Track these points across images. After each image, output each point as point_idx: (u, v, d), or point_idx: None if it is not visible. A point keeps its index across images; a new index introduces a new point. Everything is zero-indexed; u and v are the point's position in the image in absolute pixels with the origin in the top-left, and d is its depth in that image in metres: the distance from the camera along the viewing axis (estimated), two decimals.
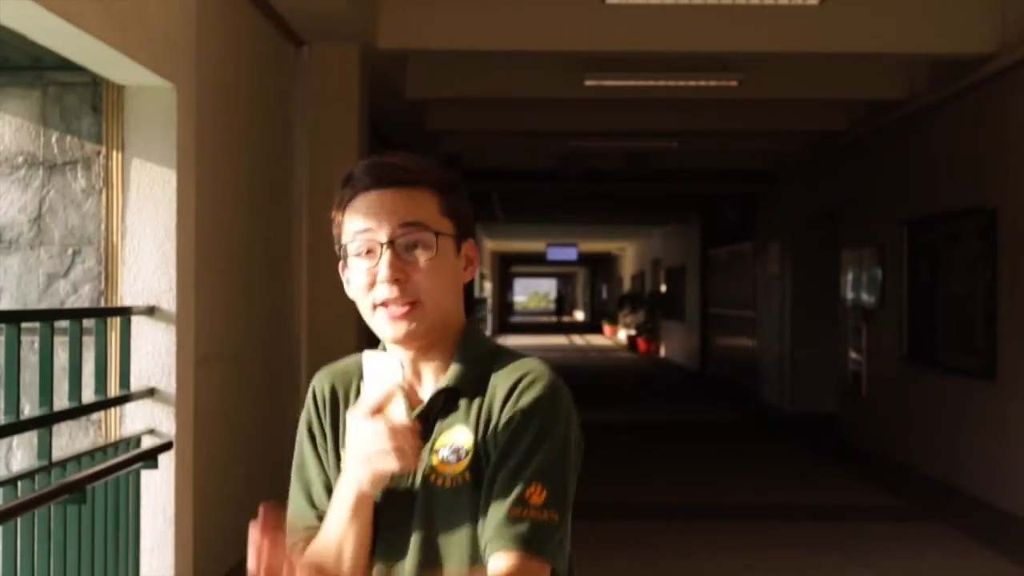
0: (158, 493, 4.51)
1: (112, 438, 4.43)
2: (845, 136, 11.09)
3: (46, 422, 3.68)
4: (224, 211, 5.41)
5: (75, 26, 3.59)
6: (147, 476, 4.42)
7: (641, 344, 25.75)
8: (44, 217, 4.72)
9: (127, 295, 4.55)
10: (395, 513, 1.53)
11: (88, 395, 4.13)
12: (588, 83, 8.69)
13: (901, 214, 9.73)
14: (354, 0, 6.47)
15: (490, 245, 32.19)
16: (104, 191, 4.66)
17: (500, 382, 1.55)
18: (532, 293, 72.93)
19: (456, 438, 1.55)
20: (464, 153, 12.86)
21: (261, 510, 1.38)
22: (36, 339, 3.84)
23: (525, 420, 1.51)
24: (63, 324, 3.96)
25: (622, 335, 30.03)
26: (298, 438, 1.67)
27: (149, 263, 4.55)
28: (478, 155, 13.44)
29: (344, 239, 1.58)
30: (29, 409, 4.03)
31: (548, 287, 69.16)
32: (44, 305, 4.70)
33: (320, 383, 1.67)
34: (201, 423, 4.86)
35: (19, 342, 3.45)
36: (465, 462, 1.53)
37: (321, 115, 7.07)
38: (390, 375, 1.45)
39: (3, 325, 3.48)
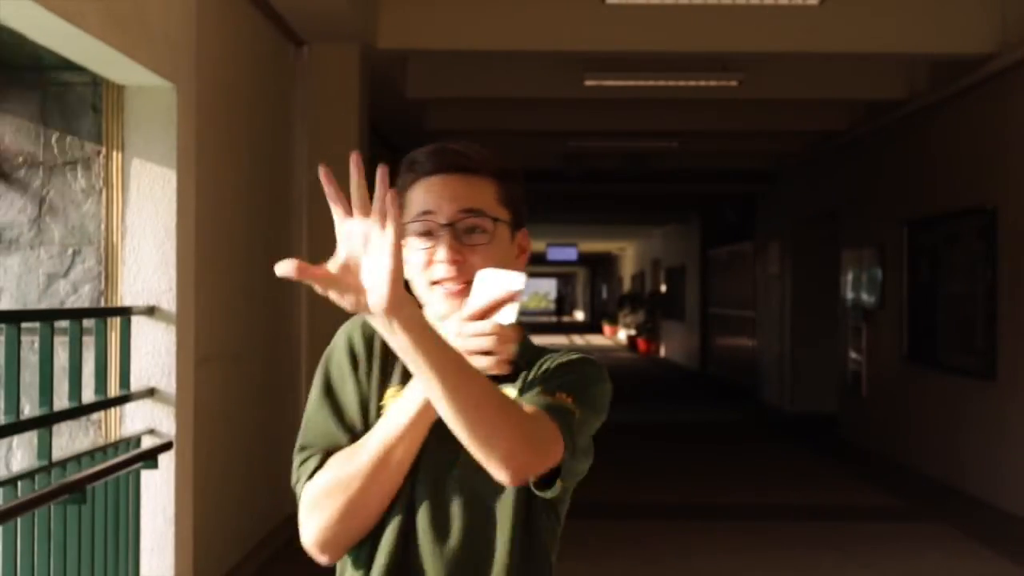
0: (158, 493, 4.51)
1: (112, 438, 4.43)
2: (845, 136, 11.09)
3: (46, 422, 3.68)
4: (224, 211, 5.41)
5: (75, 26, 3.59)
6: (147, 476, 4.42)
7: (641, 344, 25.76)
8: (44, 217, 4.72)
9: (127, 295, 4.55)
10: (445, 431, 1.48)
11: (88, 395, 4.12)
12: (588, 83, 8.70)
13: (901, 214, 9.73)
14: (354, 0, 6.47)
15: None
16: (104, 191, 4.66)
17: (549, 356, 1.65)
18: (532, 293, 72.95)
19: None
20: None
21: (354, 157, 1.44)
22: (36, 339, 3.84)
23: (562, 365, 1.62)
24: (63, 324, 3.96)
25: (622, 335, 30.03)
26: (330, 365, 1.70)
27: (149, 263, 4.55)
28: None
29: (404, 220, 1.62)
30: (29, 409, 4.03)
31: (548, 287, 69.18)
32: (44, 305, 4.70)
33: (368, 326, 1.67)
34: (201, 423, 4.86)
35: (19, 342, 3.45)
36: None
37: (321, 115, 7.07)
38: (510, 283, 1.48)
39: (3, 325, 3.48)
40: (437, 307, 1.61)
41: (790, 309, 13.73)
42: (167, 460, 4.48)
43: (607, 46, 7.51)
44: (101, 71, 4.38)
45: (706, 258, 20.02)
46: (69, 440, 4.59)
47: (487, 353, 1.47)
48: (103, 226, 4.66)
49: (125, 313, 4.42)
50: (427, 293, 1.62)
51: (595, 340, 32.27)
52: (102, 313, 4.32)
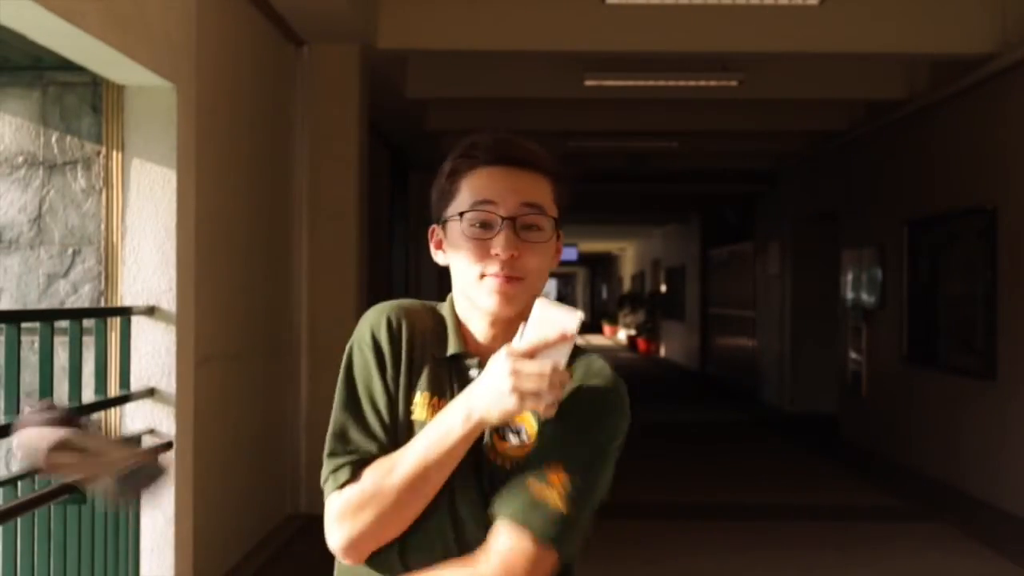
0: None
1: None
2: (845, 136, 11.09)
3: None
4: (224, 211, 5.41)
5: (75, 26, 3.59)
6: None
7: (641, 344, 25.76)
8: (44, 217, 4.72)
9: (127, 295, 4.55)
10: (465, 467, 1.53)
11: (88, 395, 4.13)
12: (588, 83, 8.70)
13: (901, 214, 9.73)
14: (354, 0, 6.47)
15: None
16: (104, 191, 4.66)
17: (573, 375, 1.58)
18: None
19: (519, 424, 1.58)
20: None
21: None
22: (36, 339, 3.84)
23: (577, 413, 1.55)
24: (63, 324, 3.96)
25: (622, 335, 30.03)
26: (354, 363, 1.61)
27: (149, 263, 4.55)
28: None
29: (457, 208, 1.59)
30: (29, 409, 4.03)
31: (548, 287, 69.18)
32: (44, 305, 4.70)
33: (395, 316, 1.63)
34: (201, 423, 4.86)
35: (19, 342, 3.45)
36: (528, 447, 1.56)
37: (321, 115, 7.07)
38: (566, 323, 1.44)
39: (3, 325, 3.48)
40: (485, 300, 1.57)
41: (790, 309, 13.72)
42: (167, 460, 4.47)
43: (607, 46, 7.51)
44: (101, 71, 4.38)
45: (706, 258, 20.02)
46: None
47: (537, 395, 1.42)
48: (103, 226, 4.66)
49: (125, 313, 4.42)
50: (475, 284, 1.57)
51: (595, 340, 32.28)
52: (102, 313, 4.32)
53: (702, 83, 8.76)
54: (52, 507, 3.65)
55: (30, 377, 3.93)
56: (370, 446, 1.56)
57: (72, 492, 3.62)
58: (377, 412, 1.59)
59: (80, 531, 3.81)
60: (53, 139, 4.72)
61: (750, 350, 16.04)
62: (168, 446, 4.47)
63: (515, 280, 1.56)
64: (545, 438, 1.55)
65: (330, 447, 1.58)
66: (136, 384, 4.47)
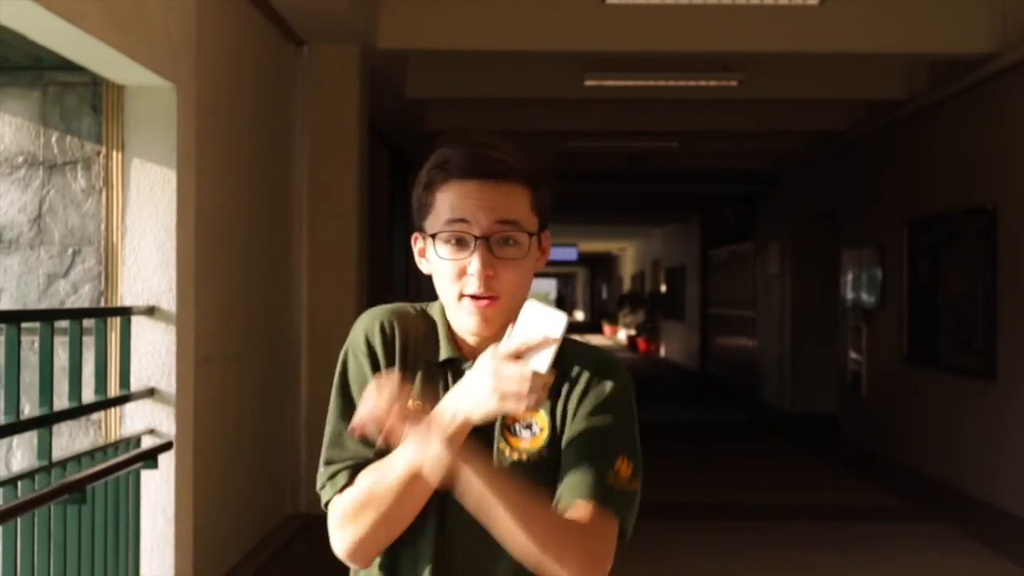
0: (158, 493, 4.51)
1: (112, 438, 4.43)
2: (845, 136, 11.09)
3: (46, 422, 3.68)
4: (224, 211, 5.41)
5: (75, 26, 3.59)
6: (147, 476, 4.42)
7: (641, 344, 25.75)
8: (44, 217, 4.72)
9: (127, 295, 4.55)
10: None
11: (88, 395, 4.13)
12: (588, 83, 8.69)
13: (901, 214, 9.73)
14: (354, 0, 6.47)
15: None
16: (104, 191, 4.66)
17: (582, 366, 1.62)
18: (532, 293, 72.89)
19: (529, 418, 1.60)
20: None
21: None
22: (36, 339, 3.84)
23: (611, 401, 1.60)
24: (63, 324, 3.96)
25: (622, 335, 30.03)
26: (348, 369, 1.61)
27: (149, 263, 4.55)
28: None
29: (432, 224, 1.58)
30: (29, 409, 4.03)
31: (548, 287, 69.18)
32: (44, 305, 4.70)
33: (388, 321, 1.63)
34: (201, 423, 4.86)
35: (19, 342, 3.45)
36: (542, 438, 1.59)
37: (321, 115, 7.07)
38: (550, 327, 1.45)
39: (3, 325, 3.48)
40: (464, 321, 1.58)
41: (790, 309, 13.72)
42: (167, 460, 4.48)
43: (607, 46, 7.51)
44: (101, 71, 4.38)
45: (706, 258, 20.02)
46: (69, 440, 4.59)
47: (518, 396, 1.43)
48: (103, 226, 4.66)
49: (125, 313, 4.42)
50: (454, 305, 1.58)
51: (595, 340, 32.30)
52: (102, 313, 4.32)
53: (702, 83, 8.76)
54: (52, 507, 3.65)
55: (30, 377, 3.93)
56: (366, 451, 1.57)
57: (72, 492, 3.62)
58: None
59: (80, 531, 3.81)
60: (53, 139, 4.72)
61: (750, 350, 16.03)
62: (168, 446, 4.47)
63: (492, 300, 1.55)
64: (595, 428, 1.57)
65: (327, 454, 1.59)
66: (136, 384, 4.46)
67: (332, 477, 1.58)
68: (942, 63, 8.30)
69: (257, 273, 6.15)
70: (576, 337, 1.66)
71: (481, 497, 1.45)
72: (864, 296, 10.78)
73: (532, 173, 1.58)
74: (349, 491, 1.55)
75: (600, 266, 41.30)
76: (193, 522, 4.73)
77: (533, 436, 1.59)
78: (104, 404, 4.23)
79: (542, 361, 1.44)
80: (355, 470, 1.56)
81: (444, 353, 1.62)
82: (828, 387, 12.46)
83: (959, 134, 8.57)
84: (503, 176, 1.55)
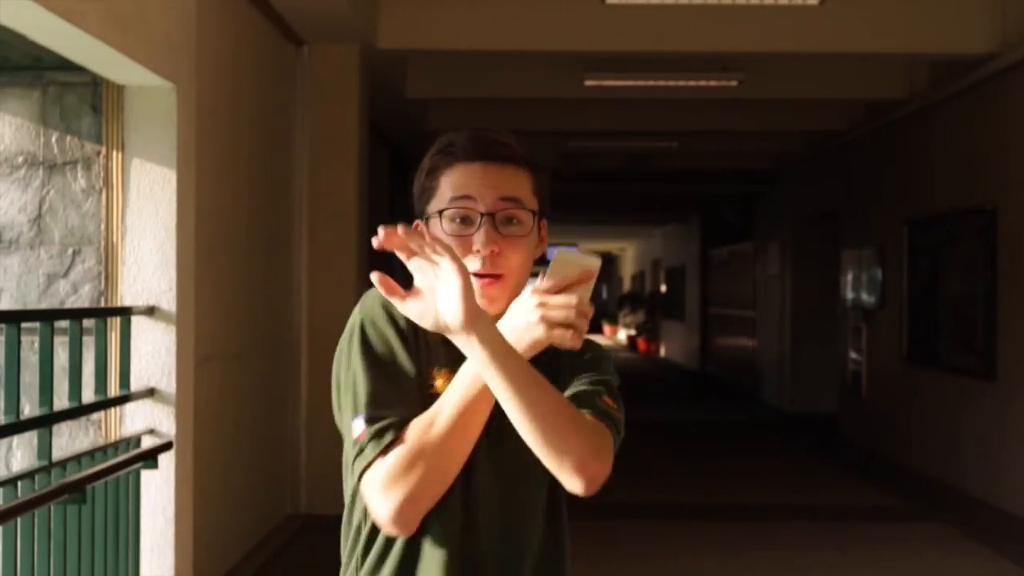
0: (158, 493, 4.51)
1: (112, 438, 4.43)
2: (845, 136, 11.09)
3: (46, 422, 3.68)
4: (224, 211, 5.41)
5: (75, 26, 3.59)
6: (147, 476, 4.42)
7: (641, 344, 25.75)
8: (44, 217, 4.72)
9: (127, 295, 4.55)
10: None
11: (88, 395, 4.13)
12: (588, 83, 8.69)
13: (901, 214, 9.73)
14: (354, 0, 6.47)
15: None
16: (104, 191, 4.66)
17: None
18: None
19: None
20: None
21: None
22: (36, 339, 3.84)
23: (596, 360, 1.69)
24: (63, 324, 3.96)
25: (622, 335, 30.03)
26: (369, 336, 1.60)
27: (149, 263, 4.55)
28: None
29: (437, 204, 1.63)
30: (29, 409, 4.03)
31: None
32: (44, 305, 4.70)
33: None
34: (201, 423, 4.86)
35: (19, 342, 3.45)
36: None
37: (321, 115, 7.07)
38: (586, 263, 1.49)
39: (3, 325, 3.48)
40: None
41: (790, 309, 13.72)
42: (167, 460, 4.48)
43: (607, 46, 7.51)
44: (101, 71, 4.38)
45: (706, 258, 20.01)
46: (69, 440, 4.59)
47: (567, 326, 1.46)
48: (103, 226, 4.66)
49: (125, 313, 4.42)
50: None
51: (595, 340, 32.25)
52: (102, 313, 4.32)
53: (702, 83, 8.76)
54: (52, 507, 3.65)
55: (30, 377, 3.93)
56: (406, 410, 1.55)
57: (72, 492, 3.62)
58: (406, 377, 1.58)
59: (80, 531, 3.81)
60: (53, 139, 4.72)
61: (750, 350, 16.03)
62: (168, 446, 4.47)
63: (496, 279, 1.58)
64: (583, 378, 1.64)
65: (366, 414, 1.55)
66: (136, 384, 4.46)
67: (378, 435, 1.53)
68: (942, 63, 8.30)
69: (257, 273, 6.15)
70: None
71: (504, 372, 1.46)
72: (864, 296, 10.78)
73: (531, 158, 1.64)
74: (398, 449, 1.52)
75: (602, 266, 41.23)
76: (193, 522, 4.73)
77: None
78: (104, 404, 4.24)
79: (583, 295, 1.48)
80: (398, 427, 1.54)
81: None
82: (828, 387, 12.46)
83: (959, 134, 8.57)
84: (506, 158, 1.61)
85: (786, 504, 7.98)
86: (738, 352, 17.04)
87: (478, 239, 1.57)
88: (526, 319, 1.47)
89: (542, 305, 1.46)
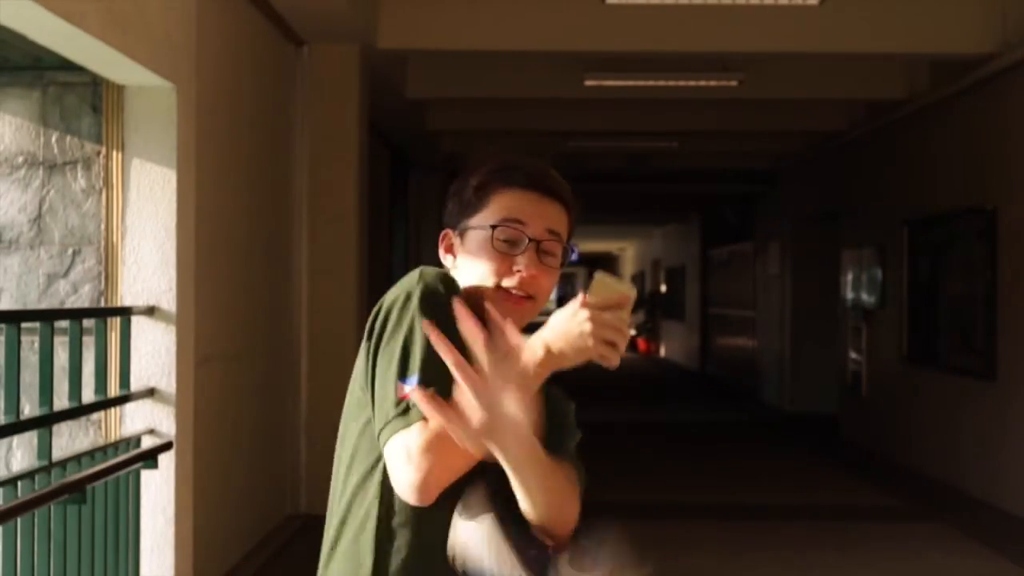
0: (158, 493, 4.51)
1: (112, 438, 4.43)
2: (845, 136, 11.09)
3: (46, 422, 3.68)
4: (224, 211, 5.41)
5: (75, 26, 3.59)
6: (147, 476, 4.42)
7: (641, 344, 25.75)
8: (44, 217, 4.72)
9: (127, 295, 4.55)
10: None
11: (88, 395, 4.13)
12: (588, 83, 8.69)
13: (901, 214, 9.73)
14: (354, 0, 6.47)
15: None
16: (104, 191, 4.66)
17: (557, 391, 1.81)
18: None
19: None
20: (464, 153, 12.88)
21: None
22: (36, 339, 3.84)
23: (573, 414, 1.82)
24: (63, 324, 3.96)
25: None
26: (435, 307, 1.60)
27: (149, 263, 4.55)
28: (478, 155, 13.44)
29: (484, 220, 1.70)
30: (29, 409, 4.03)
31: None
32: (44, 305, 4.70)
33: (455, 282, 1.69)
34: (201, 423, 4.86)
35: (19, 342, 3.45)
36: None
37: (321, 115, 7.07)
38: (624, 290, 1.55)
39: (3, 325, 3.48)
40: (498, 312, 1.62)
41: (790, 309, 13.72)
42: (167, 460, 4.48)
43: (607, 46, 7.50)
44: (101, 71, 4.38)
45: (706, 258, 20.01)
46: (69, 440, 4.59)
47: (613, 344, 1.51)
48: (103, 226, 4.66)
49: (125, 313, 4.42)
50: (490, 295, 1.67)
51: None
52: (102, 313, 4.32)
53: (702, 83, 8.76)
54: (52, 507, 3.65)
55: (30, 377, 3.93)
56: (452, 384, 1.55)
57: (72, 492, 3.62)
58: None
59: (80, 531, 3.81)
60: (53, 139, 4.72)
61: (750, 350, 16.03)
62: (168, 446, 4.47)
63: (528, 300, 1.69)
64: (571, 432, 1.77)
65: (419, 376, 1.56)
66: (136, 384, 4.46)
67: (438, 394, 1.52)
68: (942, 63, 8.30)
69: (257, 273, 6.15)
70: None
71: (520, 450, 1.52)
72: (864, 296, 10.78)
73: (571, 197, 1.78)
74: (447, 410, 1.52)
75: (600, 266, 41.29)
76: (193, 522, 4.73)
77: None
78: (104, 404, 4.24)
79: (624, 319, 1.54)
80: (448, 398, 1.53)
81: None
82: (828, 387, 12.46)
83: (959, 134, 8.57)
84: (556, 194, 1.75)
85: (786, 504, 7.98)
86: (738, 352, 17.04)
87: (521, 261, 1.67)
88: (579, 328, 1.51)
89: (594, 320, 1.50)
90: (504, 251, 1.68)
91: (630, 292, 1.55)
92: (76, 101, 4.71)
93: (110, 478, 3.98)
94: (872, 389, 10.60)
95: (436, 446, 1.53)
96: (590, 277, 1.60)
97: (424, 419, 1.53)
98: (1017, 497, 7.40)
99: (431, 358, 1.56)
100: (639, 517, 7.35)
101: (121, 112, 4.58)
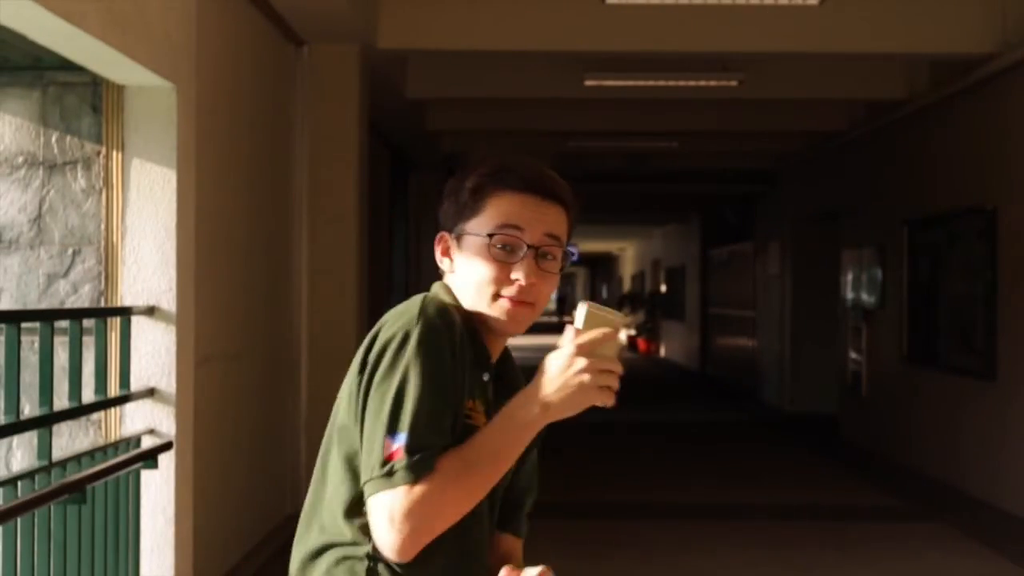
0: (158, 493, 4.51)
1: (112, 438, 4.43)
2: (845, 136, 11.09)
3: (46, 422, 3.68)
4: (224, 211, 5.41)
5: (75, 26, 3.59)
6: (147, 476, 4.42)
7: (641, 344, 25.75)
8: (44, 217, 4.72)
9: (127, 295, 4.55)
10: None
11: (88, 395, 4.12)
12: (588, 83, 8.69)
13: (901, 214, 9.73)
14: (354, 0, 6.47)
15: None
16: (104, 191, 4.66)
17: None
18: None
19: None
20: (464, 153, 12.88)
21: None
22: (36, 339, 3.84)
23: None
24: (63, 324, 3.96)
25: (622, 335, 30.01)
26: (432, 351, 1.57)
27: (149, 263, 4.55)
28: (475, 155, 13.43)
29: (481, 226, 1.66)
30: (29, 409, 4.03)
31: None
32: (44, 305, 4.70)
33: (456, 318, 1.64)
34: (201, 423, 4.86)
35: (19, 342, 3.45)
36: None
37: (321, 115, 7.07)
38: (615, 322, 1.57)
39: (3, 325, 3.48)
40: (497, 320, 1.66)
41: (790, 309, 13.72)
42: (167, 460, 4.47)
43: (607, 46, 7.50)
44: (101, 71, 4.38)
45: (706, 258, 20.01)
46: (69, 440, 4.59)
47: (610, 389, 1.55)
48: (103, 226, 4.66)
49: (125, 313, 4.42)
50: (488, 303, 1.65)
51: None
52: (102, 313, 4.32)
53: (702, 83, 8.76)
54: (52, 507, 3.65)
55: (30, 377, 3.93)
56: (444, 440, 1.57)
57: (72, 492, 3.62)
58: (454, 406, 1.60)
59: (80, 531, 3.81)
60: (53, 139, 4.72)
61: (750, 350, 16.03)
62: (168, 446, 4.47)
63: (528, 305, 1.66)
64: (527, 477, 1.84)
65: (424, 440, 1.54)
66: (136, 384, 4.46)
67: (415, 467, 1.52)
68: (942, 63, 8.30)
69: (257, 273, 6.15)
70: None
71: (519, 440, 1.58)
72: (864, 296, 10.78)
73: (571, 198, 1.73)
74: (432, 478, 1.52)
75: (600, 266, 41.29)
76: (193, 522, 4.73)
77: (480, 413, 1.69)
78: (104, 404, 4.23)
79: (614, 352, 1.56)
80: (435, 458, 1.55)
81: (487, 355, 1.71)
82: (828, 387, 12.46)
83: (959, 134, 8.57)
84: (556, 197, 1.70)
85: (786, 504, 7.98)
86: (738, 352, 17.04)
87: (519, 269, 1.64)
88: (578, 380, 1.52)
89: (591, 370, 1.52)
90: (502, 259, 1.64)
91: (621, 322, 1.56)
92: (76, 101, 4.70)
93: (110, 478, 3.98)
94: (872, 389, 10.60)
95: (418, 512, 1.52)
96: (575, 310, 1.61)
97: (409, 483, 1.52)
98: (1017, 497, 7.40)
99: (421, 412, 1.54)
100: (639, 517, 7.35)
101: (121, 112, 4.57)
